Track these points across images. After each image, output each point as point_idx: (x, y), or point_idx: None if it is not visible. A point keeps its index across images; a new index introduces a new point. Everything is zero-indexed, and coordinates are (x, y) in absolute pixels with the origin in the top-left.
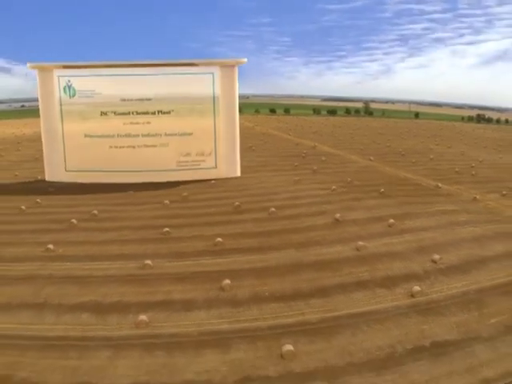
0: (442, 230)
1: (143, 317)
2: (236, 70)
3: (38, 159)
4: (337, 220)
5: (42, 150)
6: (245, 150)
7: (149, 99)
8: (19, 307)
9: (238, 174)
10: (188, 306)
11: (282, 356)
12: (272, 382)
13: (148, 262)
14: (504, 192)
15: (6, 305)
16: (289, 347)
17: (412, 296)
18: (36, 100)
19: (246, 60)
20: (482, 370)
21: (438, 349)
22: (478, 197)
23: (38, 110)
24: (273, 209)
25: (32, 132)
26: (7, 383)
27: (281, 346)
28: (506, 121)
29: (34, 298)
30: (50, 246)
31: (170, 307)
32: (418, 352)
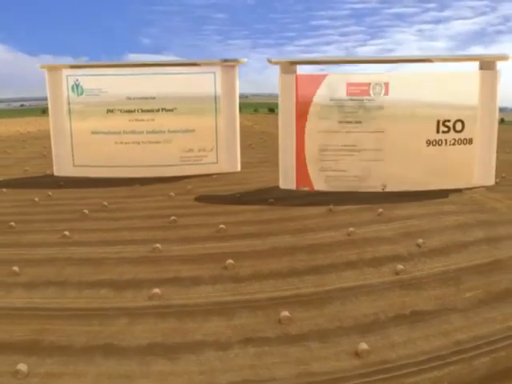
0: (428, 219)
1: (156, 290)
2: (236, 69)
3: (46, 156)
4: (330, 210)
5: (48, 147)
6: (244, 147)
7: (153, 97)
8: (43, 285)
9: (239, 169)
10: (195, 281)
11: (279, 321)
12: (270, 341)
13: (158, 245)
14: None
15: (30, 283)
16: (285, 313)
17: (396, 274)
18: (35, 99)
19: (245, 60)
20: (456, 334)
21: (417, 317)
22: (464, 190)
23: (38, 108)
24: (271, 200)
25: (36, 130)
26: (38, 345)
27: (278, 313)
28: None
29: (55, 277)
30: (66, 233)
31: (180, 283)
32: (399, 319)
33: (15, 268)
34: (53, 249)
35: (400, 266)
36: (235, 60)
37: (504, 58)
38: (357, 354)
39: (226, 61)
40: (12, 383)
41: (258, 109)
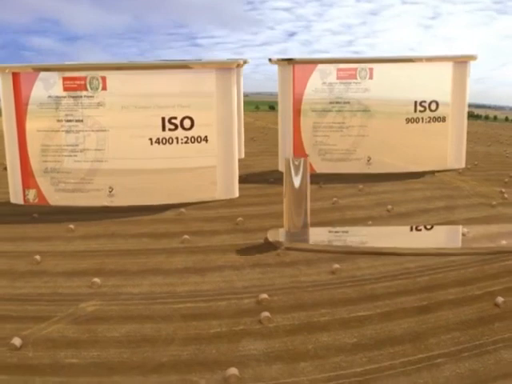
0: (399, 193)
1: (186, 236)
2: (234, 70)
3: None
4: (320, 187)
5: None
6: (247, 140)
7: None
8: (96, 237)
9: (243, 156)
10: (215, 233)
11: (277, 254)
12: (272, 265)
13: (182, 210)
14: (460, 171)
15: (84, 236)
16: (283, 248)
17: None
18: None
19: (242, 61)
20: (407, 263)
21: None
22: (436, 173)
23: None
24: (271, 179)
25: None
26: (102, 271)
27: (277, 249)
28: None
29: (104, 232)
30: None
31: (203, 234)
32: (365, 254)
33: (71, 226)
34: (98, 214)
35: (370, 222)
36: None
37: (473, 57)
38: (332, 272)
39: (223, 62)
40: (90, 291)
41: (259, 106)
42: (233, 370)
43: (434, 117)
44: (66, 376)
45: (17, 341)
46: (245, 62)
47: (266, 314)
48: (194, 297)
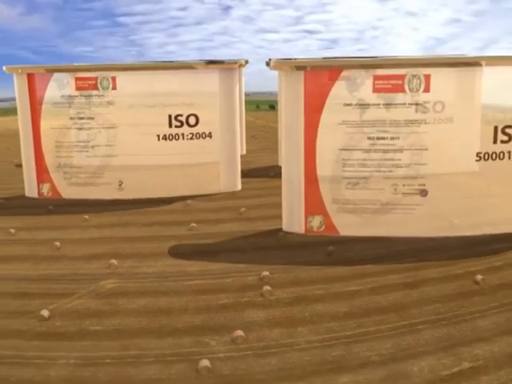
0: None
1: (193, 224)
2: (236, 71)
3: None
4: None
5: None
6: (249, 138)
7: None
8: (109, 226)
9: (244, 152)
10: (219, 221)
11: (278, 238)
12: (273, 248)
13: (189, 201)
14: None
15: (98, 225)
16: (281, 233)
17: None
18: None
19: (243, 61)
20: (396, 246)
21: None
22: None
23: None
24: (272, 173)
25: None
26: (118, 255)
27: (278, 232)
28: None
29: (117, 221)
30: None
31: (209, 222)
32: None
33: (85, 216)
34: (110, 206)
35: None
36: (237, 62)
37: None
38: (327, 254)
39: (226, 63)
40: (108, 272)
41: (260, 105)
42: (239, 332)
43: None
44: (92, 340)
45: (45, 312)
46: (246, 62)
47: (267, 287)
48: (203, 275)
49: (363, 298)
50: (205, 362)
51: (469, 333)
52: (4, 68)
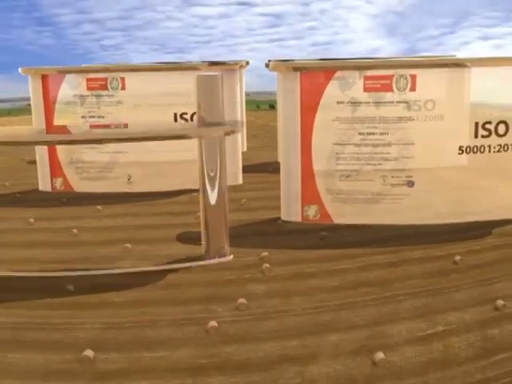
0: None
1: (199, 214)
2: (238, 71)
3: None
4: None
5: None
6: (249, 137)
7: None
8: (122, 215)
9: (245, 149)
10: None
11: (277, 225)
12: (272, 234)
13: (194, 194)
14: None
15: (111, 215)
16: (280, 221)
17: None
18: None
19: (244, 62)
20: (384, 232)
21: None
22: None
23: None
24: (271, 169)
25: None
26: (131, 240)
27: (277, 220)
28: None
29: (129, 211)
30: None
31: None
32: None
33: (98, 207)
34: (120, 198)
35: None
36: (238, 62)
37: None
38: (320, 239)
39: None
40: (125, 251)
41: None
42: (242, 300)
43: None
44: (112, 309)
45: (70, 286)
46: (247, 63)
47: (266, 265)
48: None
49: (352, 275)
50: (213, 323)
51: (444, 303)
52: (19, 70)
